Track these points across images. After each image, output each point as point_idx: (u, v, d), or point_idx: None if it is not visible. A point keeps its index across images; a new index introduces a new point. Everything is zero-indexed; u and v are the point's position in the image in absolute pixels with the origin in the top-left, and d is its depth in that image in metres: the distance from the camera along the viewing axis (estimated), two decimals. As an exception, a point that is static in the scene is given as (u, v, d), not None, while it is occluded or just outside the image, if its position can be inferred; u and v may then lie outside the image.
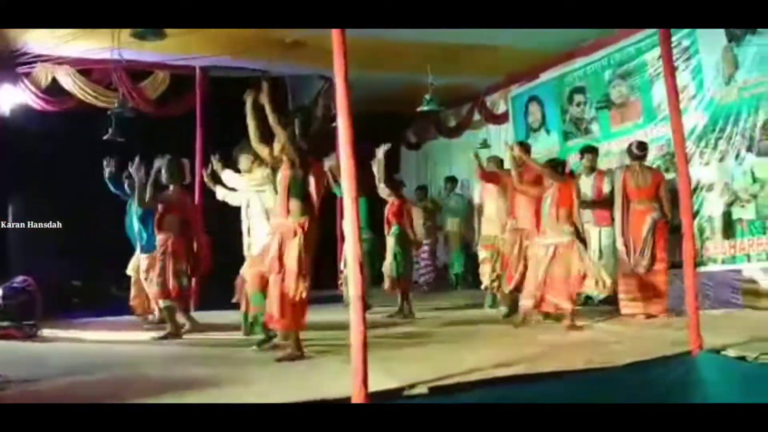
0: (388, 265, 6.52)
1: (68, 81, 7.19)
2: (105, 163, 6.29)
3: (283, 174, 4.25)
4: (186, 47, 6.82)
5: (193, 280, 6.12)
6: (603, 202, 6.29)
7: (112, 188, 6.32)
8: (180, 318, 5.67)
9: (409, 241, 6.63)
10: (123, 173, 6.16)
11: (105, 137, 6.88)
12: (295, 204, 4.18)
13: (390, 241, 6.58)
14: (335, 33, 3.07)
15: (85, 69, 7.26)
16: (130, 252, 6.24)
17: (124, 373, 4.03)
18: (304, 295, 4.08)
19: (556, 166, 5.62)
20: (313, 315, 4.74)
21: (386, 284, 6.60)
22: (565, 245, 5.28)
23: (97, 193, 6.47)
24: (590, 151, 6.70)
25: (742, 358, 3.76)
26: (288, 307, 4.10)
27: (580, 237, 5.39)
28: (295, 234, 4.12)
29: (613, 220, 6.12)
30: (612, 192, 6.14)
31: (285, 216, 4.21)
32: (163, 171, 5.59)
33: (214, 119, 7.59)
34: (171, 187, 5.66)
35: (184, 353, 4.80)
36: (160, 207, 5.60)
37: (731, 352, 3.87)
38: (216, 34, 6.27)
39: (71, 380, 3.73)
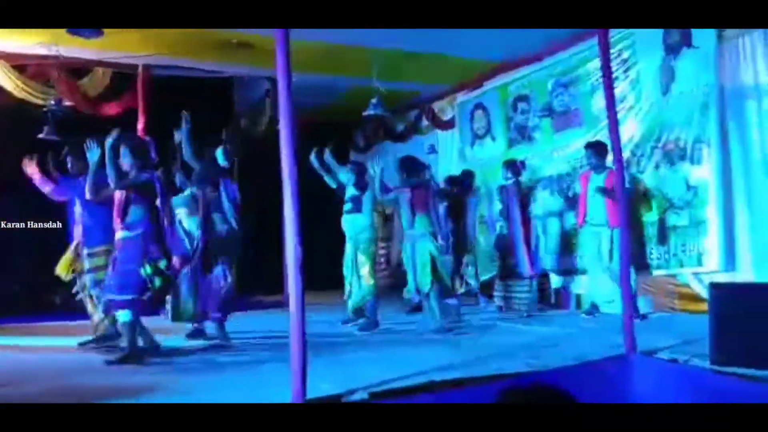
0: (422, 273, 5.35)
1: (1, 76, 6.91)
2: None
3: (201, 194, 5.00)
4: (128, 45, 6.66)
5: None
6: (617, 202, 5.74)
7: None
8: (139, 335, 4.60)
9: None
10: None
11: (40, 136, 6.65)
12: (216, 216, 4.96)
13: (420, 242, 5.49)
14: (278, 33, 3.05)
15: (21, 64, 7.00)
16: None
17: (56, 383, 3.82)
18: (224, 291, 4.95)
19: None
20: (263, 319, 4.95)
21: (414, 297, 5.75)
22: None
23: (35, 193, 6.20)
24: (594, 147, 6.11)
25: (674, 361, 3.88)
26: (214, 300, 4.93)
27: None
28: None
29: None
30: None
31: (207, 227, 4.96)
32: (122, 152, 4.56)
33: (157, 119, 7.41)
34: (133, 172, 4.58)
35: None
36: (119, 194, 4.55)
37: (664, 355, 3.99)
38: (160, 33, 6.14)
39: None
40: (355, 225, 5.85)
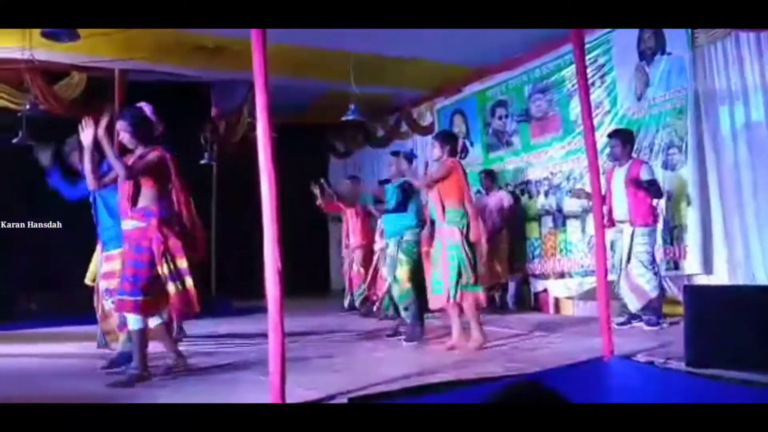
0: (451, 274, 4.56)
1: (-26, 80, 6.81)
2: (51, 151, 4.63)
3: None
4: (105, 50, 6.59)
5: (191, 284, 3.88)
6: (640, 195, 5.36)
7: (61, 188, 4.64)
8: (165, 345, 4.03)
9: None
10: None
11: (14, 140, 6.55)
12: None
13: (445, 233, 4.69)
14: (254, 33, 3.03)
15: (-7, 68, 6.89)
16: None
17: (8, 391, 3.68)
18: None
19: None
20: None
21: (436, 302, 4.80)
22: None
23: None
24: (617, 135, 5.65)
25: (651, 363, 3.92)
26: None
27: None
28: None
29: (654, 218, 5.43)
30: (652, 182, 5.39)
31: None
32: (120, 126, 3.92)
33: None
34: (138, 149, 3.91)
35: (83, 367, 4.40)
36: (124, 177, 3.79)
37: (641, 357, 4.03)
38: (136, 38, 6.09)
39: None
40: (398, 225, 5.35)
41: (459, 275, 4.55)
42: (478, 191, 7.47)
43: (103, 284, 4.32)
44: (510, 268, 7.26)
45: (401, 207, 5.36)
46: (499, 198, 7.34)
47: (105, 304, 4.40)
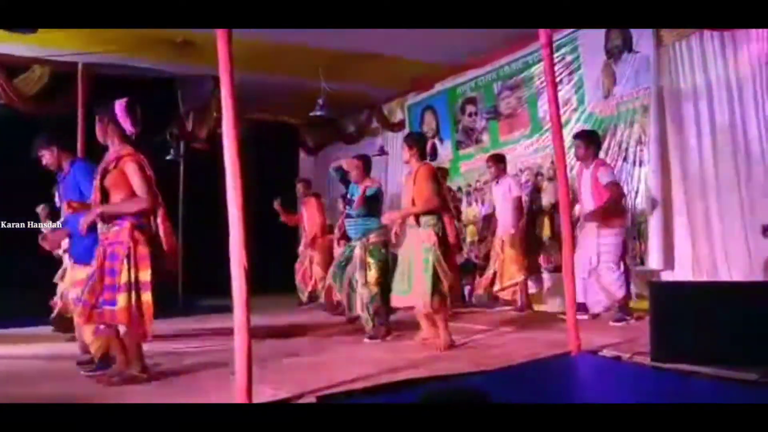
0: (426, 278, 4.43)
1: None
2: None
3: None
4: (69, 43, 6.46)
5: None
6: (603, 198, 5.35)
7: None
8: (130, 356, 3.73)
9: (447, 237, 4.59)
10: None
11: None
12: None
13: (420, 235, 4.59)
14: (220, 33, 2.98)
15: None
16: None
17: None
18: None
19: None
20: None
21: (400, 302, 4.75)
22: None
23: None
24: (580, 137, 5.67)
25: (618, 359, 3.96)
26: None
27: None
28: None
29: (620, 219, 5.41)
30: (614, 183, 5.41)
31: None
32: (98, 121, 3.73)
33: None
34: (111, 145, 3.72)
35: (48, 369, 4.35)
36: (96, 181, 3.65)
37: (607, 353, 4.08)
38: (100, 31, 5.96)
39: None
40: (363, 228, 5.25)
41: (435, 280, 4.42)
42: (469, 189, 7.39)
43: (74, 292, 4.02)
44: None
45: (370, 213, 5.28)
46: (507, 185, 6.81)
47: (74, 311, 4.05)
